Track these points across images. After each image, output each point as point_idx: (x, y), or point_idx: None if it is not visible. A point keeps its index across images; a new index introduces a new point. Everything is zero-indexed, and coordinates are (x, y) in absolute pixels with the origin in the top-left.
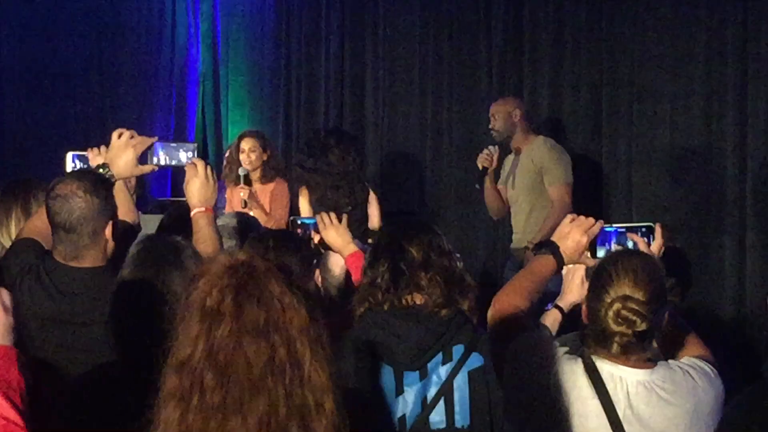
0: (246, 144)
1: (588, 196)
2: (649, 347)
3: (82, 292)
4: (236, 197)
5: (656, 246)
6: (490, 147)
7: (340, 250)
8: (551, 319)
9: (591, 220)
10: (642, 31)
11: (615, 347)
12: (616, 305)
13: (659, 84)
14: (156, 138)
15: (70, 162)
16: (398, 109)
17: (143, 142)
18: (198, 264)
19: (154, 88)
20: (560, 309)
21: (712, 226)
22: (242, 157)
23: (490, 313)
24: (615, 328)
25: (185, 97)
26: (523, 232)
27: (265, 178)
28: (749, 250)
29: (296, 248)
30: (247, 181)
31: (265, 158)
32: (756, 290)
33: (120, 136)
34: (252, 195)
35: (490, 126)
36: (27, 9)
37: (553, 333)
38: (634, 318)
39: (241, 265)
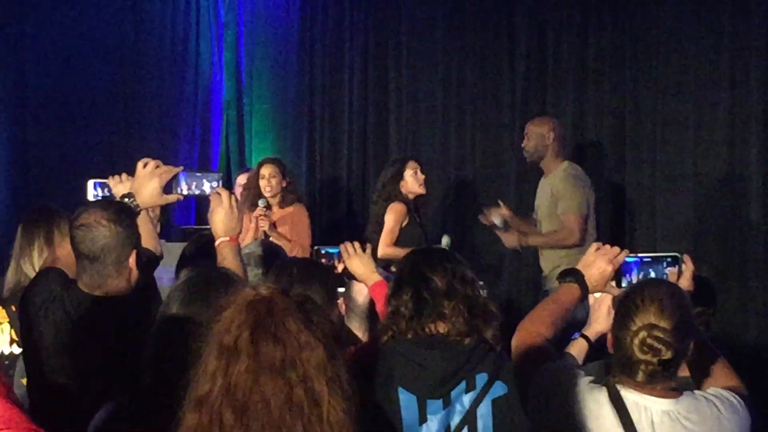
0: (266, 170)
1: (612, 223)
2: (675, 376)
3: (106, 321)
4: (252, 223)
5: (686, 278)
6: (496, 219)
7: (364, 279)
8: (578, 348)
9: (616, 249)
10: (665, 59)
11: (640, 375)
12: (642, 333)
13: (683, 111)
14: (181, 168)
15: (92, 189)
16: (421, 137)
17: (168, 171)
18: None
19: (178, 116)
20: (587, 338)
21: (737, 254)
22: (262, 183)
23: (514, 341)
24: (640, 356)
25: (209, 125)
26: (542, 258)
27: (284, 203)
28: None
29: (321, 277)
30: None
31: (284, 185)
32: None
33: (145, 165)
34: (272, 226)
35: (522, 144)
36: (52, 38)
37: (579, 362)
38: (660, 346)
39: (261, 302)
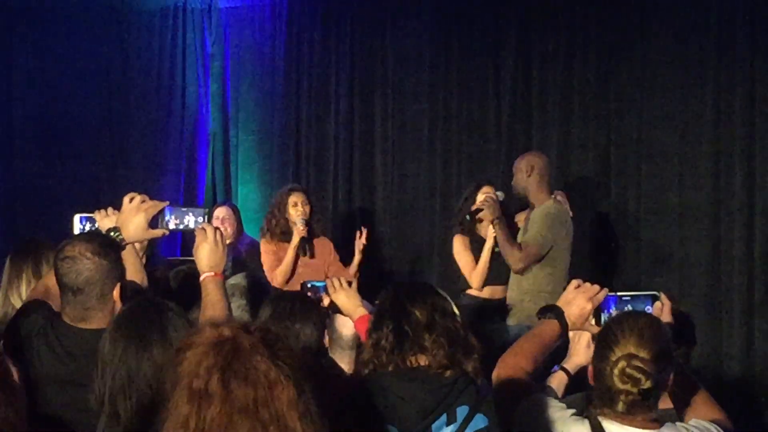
0: (298, 198)
1: (597, 256)
2: (655, 407)
3: (88, 353)
4: (285, 253)
5: (665, 312)
6: (498, 193)
7: (350, 313)
8: (557, 380)
9: (596, 287)
10: (650, 92)
11: (620, 405)
12: (621, 363)
13: (667, 144)
14: (167, 202)
15: (78, 224)
16: (407, 168)
17: (154, 206)
18: (183, 326)
19: (165, 147)
20: (566, 371)
21: (721, 285)
22: (294, 210)
23: (494, 375)
24: (620, 386)
25: (195, 156)
26: (517, 290)
27: (312, 234)
28: (757, 310)
29: (316, 310)
30: (305, 249)
31: (310, 212)
32: (763, 349)
33: (131, 200)
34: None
35: (513, 182)
36: (38, 70)
37: (559, 395)
38: (639, 376)
39: (225, 342)
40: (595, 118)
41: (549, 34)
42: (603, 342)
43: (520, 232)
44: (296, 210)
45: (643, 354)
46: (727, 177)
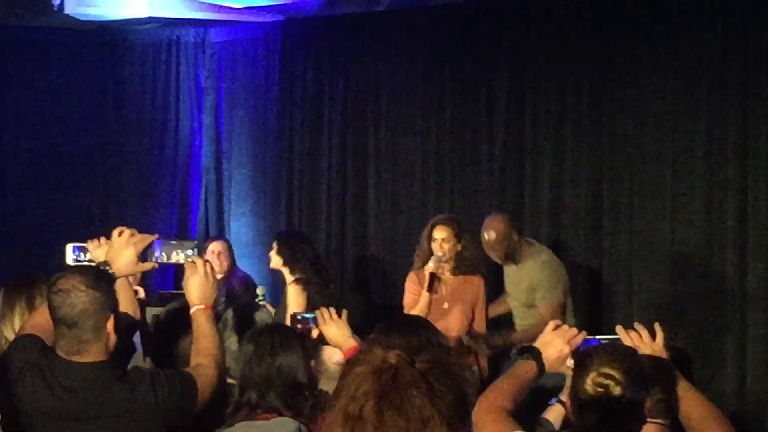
0: (438, 233)
1: (589, 292)
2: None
3: (84, 387)
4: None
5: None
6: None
7: (340, 344)
8: (554, 413)
9: (574, 330)
10: (642, 127)
11: (594, 417)
12: (592, 374)
13: (660, 179)
14: (156, 235)
15: (71, 253)
16: (400, 203)
17: (143, 239)
18: None
19: (158, 181)
20: (563, 404)
21: (713, 322)
22: (434, 246)
23: (475, 414)
24: (593, 393)
25: (188, 190)
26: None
27: (457, 270)
28: (750, 346)
29: (298, 342)
30: (431, 285)
31: (459, 248)
32: (757, 386)
33: (120, 233)
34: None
35: (496, 256)
36: (32, 102)
37: (556, 427)
38: (608, 382)
39: (387, 370)
40: (587, 153)
41: (542, 69)
42: (580, 365)
43: (513, 286)
44: (434, 245)
45: (614, 368)
46: (720, 212)
